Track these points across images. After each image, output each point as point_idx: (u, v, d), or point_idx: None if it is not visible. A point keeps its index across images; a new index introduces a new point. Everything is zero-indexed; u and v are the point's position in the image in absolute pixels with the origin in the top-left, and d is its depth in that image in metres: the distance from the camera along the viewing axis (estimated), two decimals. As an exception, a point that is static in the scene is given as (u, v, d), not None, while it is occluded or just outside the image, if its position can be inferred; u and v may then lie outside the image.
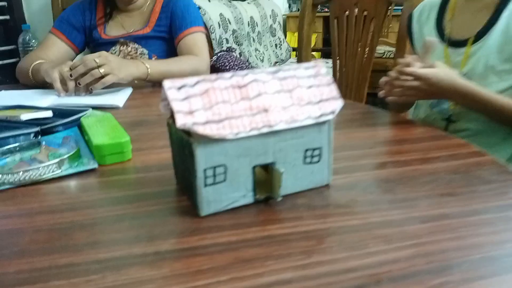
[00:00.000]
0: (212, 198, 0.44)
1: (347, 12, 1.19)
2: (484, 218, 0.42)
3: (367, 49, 1.16)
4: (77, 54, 1.31)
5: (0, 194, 0.50)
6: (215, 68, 2.22)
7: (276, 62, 3.14)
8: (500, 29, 0.71)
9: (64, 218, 0.44)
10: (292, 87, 0.47)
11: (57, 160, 0.53)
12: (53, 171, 0.53)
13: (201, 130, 0.41)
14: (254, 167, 0.45)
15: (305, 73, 0.48)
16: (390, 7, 1.10)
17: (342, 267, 0.35)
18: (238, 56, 2.53)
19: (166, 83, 0.43)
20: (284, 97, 0.46)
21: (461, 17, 0.77)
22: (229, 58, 2.26)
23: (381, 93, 0.74)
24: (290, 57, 3.30)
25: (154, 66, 1.07)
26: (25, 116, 0.73)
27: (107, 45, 1.27)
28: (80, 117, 0.71)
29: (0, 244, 0.40)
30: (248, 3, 2.96)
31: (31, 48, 1.49)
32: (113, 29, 1.29)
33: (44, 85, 1.04)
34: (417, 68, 0.66)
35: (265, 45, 3.07)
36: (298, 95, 0.47)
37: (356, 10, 1.17)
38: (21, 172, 0.51)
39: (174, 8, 1.27)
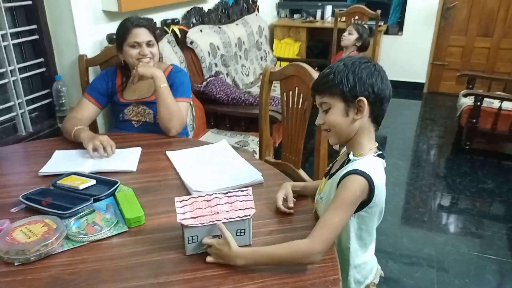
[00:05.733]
0: (191, 248, 0.99)
1: (291, 91, 1.71)
2: None
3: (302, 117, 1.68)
4: (101, 110, 1.82)
5: (81, 247, 1.04)
6: (204, 94, 2.72)
7: (261, 74, 3.62)
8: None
9: (116, 263, 0.99)
10: (233, 200, 1.01)
11: (110, 227, 1.08)
12: (107, 234, 1.07)
13: (186, 222, 0.95)
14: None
15: (241, 193, 1.02)
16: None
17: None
18: (225, 77, 3.02)
19: (176, 199, 0.97)
20: (228, 205, 1.00)
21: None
22: (215, 84, 2.74)
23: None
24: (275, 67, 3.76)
25: (166, 90, 1.66)
26: (82, 186, 1.27)
27: (124, 106, 1.79)
28: (115, 189, 1.25)
29: (89, 276, 0.95)
30: (236, 24, 3.39)
31: (62, 93, 2.01)
32: (128, 95, 1.80)
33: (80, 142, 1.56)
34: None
35: (251, 60, 3.53)
36: (235, 204, 1.00)
37: (296, 91, 1.69)
38: (93, 235, 1.05)
39: (173, 81, 1.77)
